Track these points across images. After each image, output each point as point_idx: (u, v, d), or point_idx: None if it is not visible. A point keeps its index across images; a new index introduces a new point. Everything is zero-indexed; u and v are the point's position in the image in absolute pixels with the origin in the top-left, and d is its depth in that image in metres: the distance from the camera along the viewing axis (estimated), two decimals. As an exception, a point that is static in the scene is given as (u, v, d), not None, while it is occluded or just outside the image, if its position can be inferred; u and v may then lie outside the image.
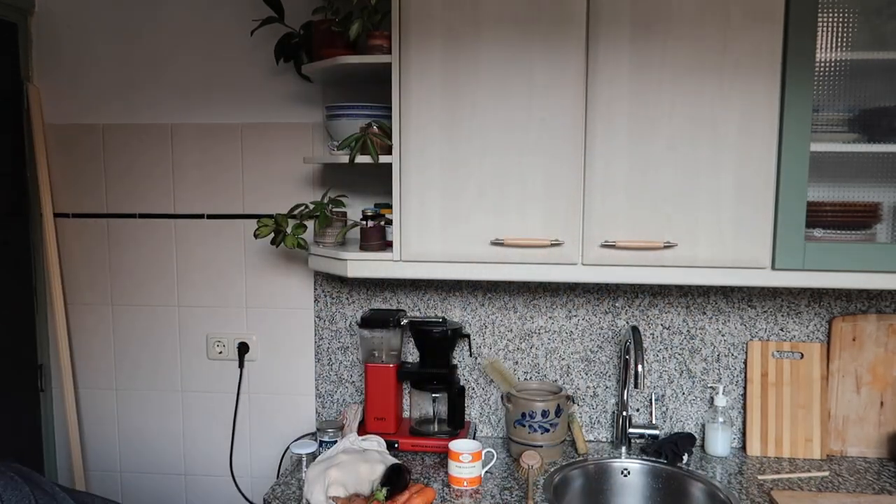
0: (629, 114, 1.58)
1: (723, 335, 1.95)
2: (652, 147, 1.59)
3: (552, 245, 1.63)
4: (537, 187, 1.63)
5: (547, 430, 1.83)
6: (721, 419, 1.88)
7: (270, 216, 1.83)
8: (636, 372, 1.70)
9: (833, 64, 1.60)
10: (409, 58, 1.63)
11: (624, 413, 1.90)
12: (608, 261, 1.63)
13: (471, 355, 2.04)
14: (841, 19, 1.58)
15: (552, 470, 1.79)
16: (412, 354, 2.05)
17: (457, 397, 1.90)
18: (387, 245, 1.76)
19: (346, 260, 1.72)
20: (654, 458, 1.83)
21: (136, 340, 2.19)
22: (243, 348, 2.14)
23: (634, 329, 1.77)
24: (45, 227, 2.13)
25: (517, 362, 2.03)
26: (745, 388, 1.94)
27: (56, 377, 2.22)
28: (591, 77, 1.59)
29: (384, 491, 1.51)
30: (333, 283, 2.09)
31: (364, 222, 1.77)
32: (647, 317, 1.97)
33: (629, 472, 1.83)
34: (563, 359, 2.01)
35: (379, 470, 1.60)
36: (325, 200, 1.86)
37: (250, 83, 2.06)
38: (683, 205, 1.59)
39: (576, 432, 1.92)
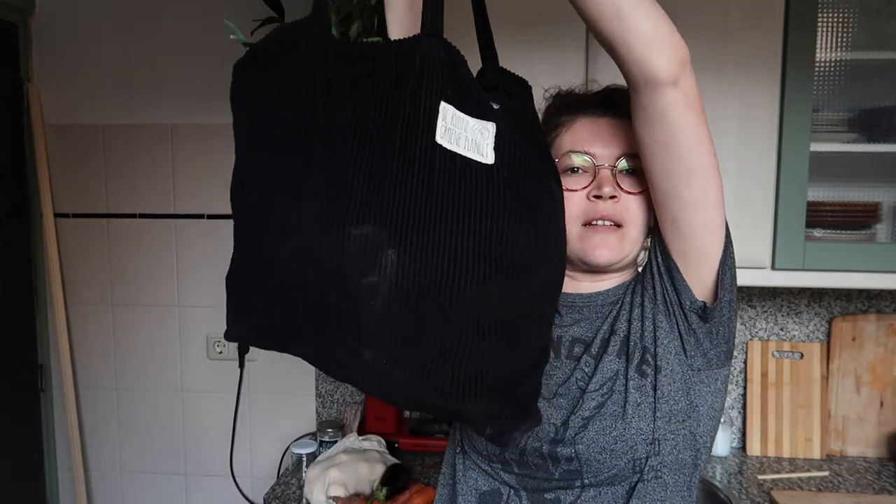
0: (629, 113, 1.58)
1: (723, 335, 1.94)
2: (652, 147, 1.58)
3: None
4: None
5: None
6: (721, 419, 1.87)
7: (270, 216, 1.83)
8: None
9: (833, 64, 1.60)
10: (409, 58, 1.62)
11: (624, 413, 1.90)
12: (608, 260, 1.62)
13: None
14: (841, 19, 1.58)
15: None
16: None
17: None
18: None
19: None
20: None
21: (137, 340, 2.18)
22: (244, 348, 2.13)
23: (634, 329, 1.77)
24: (45, 227, 2.13)
25: (517, 362, 2.02)
26: (745, 388, 1.94)
27: (56, 377, 2.22)
28: (591, 77, 1.58)
29: (384, 491, 1.52)
30: (333, 283, 2.08)
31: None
32: (647, 317, 1.97)
33: (629, 472, 1.82)
34: (563, 359, 2.01)
35: (379, 470, 1.60)
36: (325, 200, 1.85)
37: (250, 83, 2.06)
38: (683, 204, 1.59)
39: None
